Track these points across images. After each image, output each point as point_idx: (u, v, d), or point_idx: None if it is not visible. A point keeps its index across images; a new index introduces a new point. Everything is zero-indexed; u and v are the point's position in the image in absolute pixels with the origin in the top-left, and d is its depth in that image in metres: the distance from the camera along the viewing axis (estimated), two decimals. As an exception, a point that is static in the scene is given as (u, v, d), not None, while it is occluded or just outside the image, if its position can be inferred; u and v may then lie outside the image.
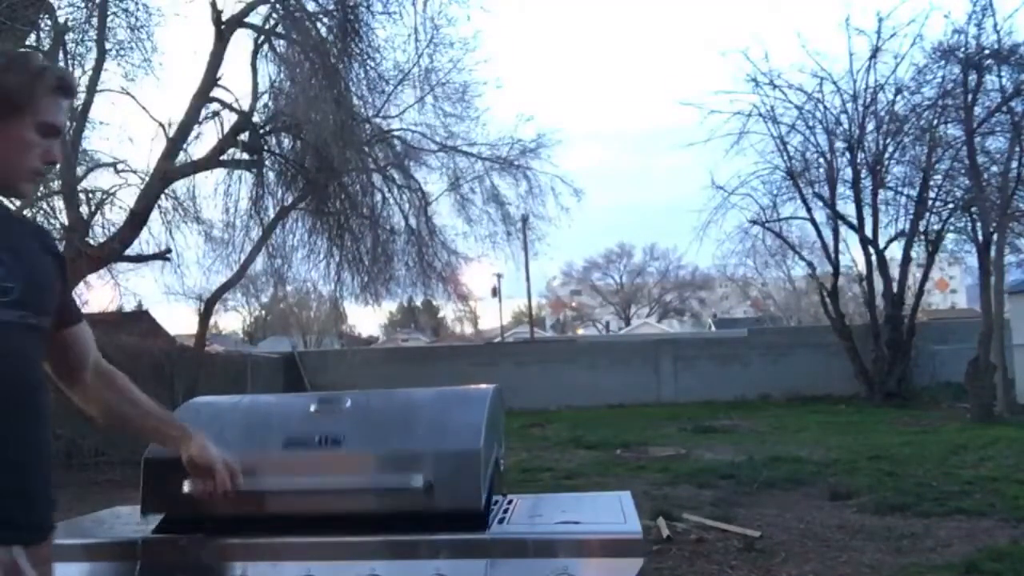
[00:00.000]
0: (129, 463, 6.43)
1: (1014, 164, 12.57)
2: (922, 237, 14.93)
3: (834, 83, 14.97)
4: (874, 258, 15.15)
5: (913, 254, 14.96)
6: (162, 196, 11.46)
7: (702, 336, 23.62)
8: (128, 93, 11.60)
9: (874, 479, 7.05)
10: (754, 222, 16.16)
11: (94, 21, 11.11)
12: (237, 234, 13.47)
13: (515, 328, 39.92)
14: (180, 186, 12.25)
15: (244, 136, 12.21)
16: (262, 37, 12.61)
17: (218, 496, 1.55)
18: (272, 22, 12.63)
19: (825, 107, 15.25)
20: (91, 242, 10.71)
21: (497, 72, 37.81)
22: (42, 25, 10.88)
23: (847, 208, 15.37)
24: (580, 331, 46.94)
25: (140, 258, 11.74)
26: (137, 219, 10.83)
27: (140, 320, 16.37)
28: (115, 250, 10.78)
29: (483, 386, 1.99)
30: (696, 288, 45.40)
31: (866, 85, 14.84)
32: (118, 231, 10.91)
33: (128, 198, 11.41)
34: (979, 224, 13.22)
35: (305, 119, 11.23)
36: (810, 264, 16.53)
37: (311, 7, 12.51)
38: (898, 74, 14.42)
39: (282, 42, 12.69)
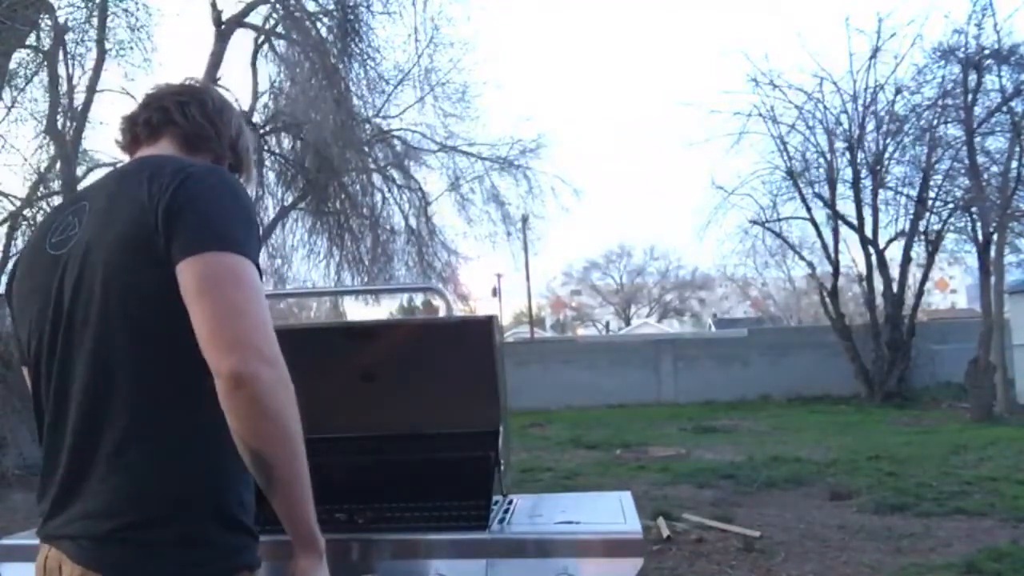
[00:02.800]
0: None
1: (1014, 164, 12.56)
2: (922, 237, 14.90)
3: (834, 83, 14.98)
4: (874, 258, 15.14)
5: (913, 254, 14.93)
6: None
7: (702, 336, 23.59)
8: (128, 93, 11.60)
9: (874, 479, 7.05)
10: (754, 222, 16.16)
11: (94, 21, 11.11)
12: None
13: (515, 328, 39.86)
14: (180, 186, 12.26)
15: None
16: (262, 37, 12.63)
17: None
18: (272, 22, 12.65)
19: (825, 107, 15.25)
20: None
21: (497, 72, 37.91)
22: (42, 25, 10.89)
23: (847, 208, 15.37)
24: (580, 331, 46.90)
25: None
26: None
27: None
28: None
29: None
30: (696, 288, 45.33)
31: (866, 85, 14.85)
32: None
33: (128, 198, 11.41)
34: (979, 224, 13.20)
35: (305, 119, 11.25)
36: (810, 264, 16.52)
37: (311, 7, 12.53)
38: (898, 74, 14.43)
39: (282, 42, 12.70)
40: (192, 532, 1.18)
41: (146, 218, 1.19)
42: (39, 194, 11.54)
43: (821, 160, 15.51)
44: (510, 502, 2.02)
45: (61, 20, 10.91)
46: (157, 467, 1.19)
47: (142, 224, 1.19)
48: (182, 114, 1.42)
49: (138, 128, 1.43)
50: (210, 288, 1.15)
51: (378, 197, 14.79)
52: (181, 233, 1.17)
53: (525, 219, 17.44)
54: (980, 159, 12.99)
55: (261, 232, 1.49)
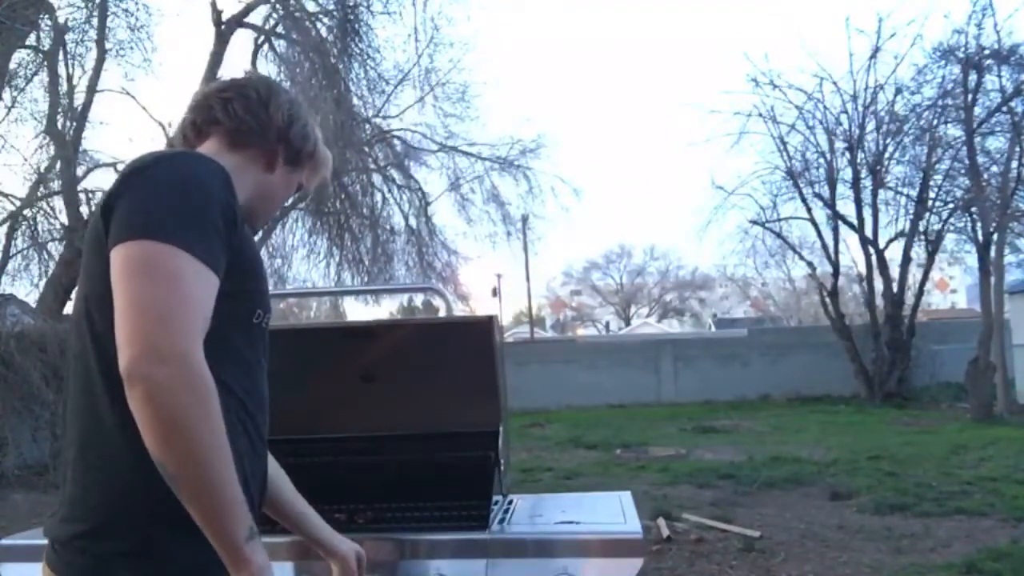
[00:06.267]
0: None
1: (1014, 164, 12.56)
2: (922, 237, 14.90)
3: (834, 83, 14.97)
4: (874, 258, 15.14)
5: (913, 254, 14.93)
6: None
7: (702, 336, 23.59)
8: (128, 93, 11.63)
9: (874, 479, 7.05)
10: (754, 222, 16.16)
11: (94, 21, 11.13)
12: (237, 234, 13.47)
13: (515, 328, 39.85)
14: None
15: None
16: (262, 37, 12.63)
17: None
18: (272, 22, 12.65)
19: (825, 107, 15.25)
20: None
21: (497, 72, 37.96)
22: (42, 25, 10.90)
23: (847, 208, 15.37)
24: (580, 331, 46.88)
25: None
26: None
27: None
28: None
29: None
30: (696, 288, 45.34)
31: (866, 85, 14.84)
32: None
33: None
34: (979, 224, 13.20)
35: (305, 119, 11.21)
36: (810, 264, 16.52)
37: (311, 7, 12.54)
38: (898, 74, 14.43)
39: (282, 42, 12.70)
40: (145, 544, 1.10)
41: (101, 214, 1.17)
42: (39, 194, 11.55)
43: (821, 160, 15.53)
44: (510, 502, 2.02)
45: (61, 20, 10.93)
46: (107, 474, 1.13)
47: (98, 220, 1.18)
48: (225, 112, 1.37)
49: (187, 132, 1.41)
50: (118, 280, 1.07)
51: (378, 197, 14.81)
52: (112, 225, 1.13)
53: (525, 219, 17.47)
54: (980, 159, 12.99)
55: (260, 229, 1.48)
